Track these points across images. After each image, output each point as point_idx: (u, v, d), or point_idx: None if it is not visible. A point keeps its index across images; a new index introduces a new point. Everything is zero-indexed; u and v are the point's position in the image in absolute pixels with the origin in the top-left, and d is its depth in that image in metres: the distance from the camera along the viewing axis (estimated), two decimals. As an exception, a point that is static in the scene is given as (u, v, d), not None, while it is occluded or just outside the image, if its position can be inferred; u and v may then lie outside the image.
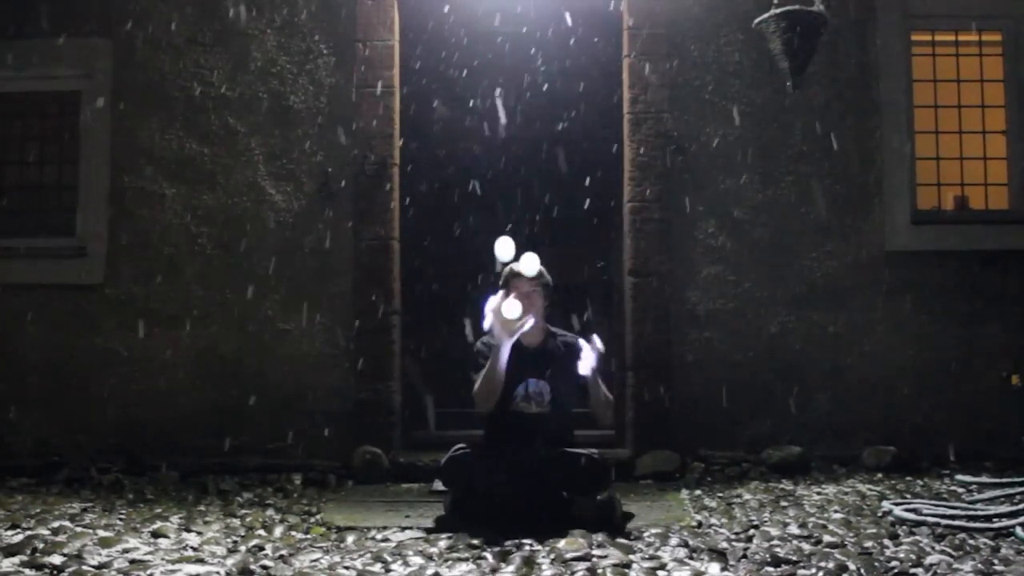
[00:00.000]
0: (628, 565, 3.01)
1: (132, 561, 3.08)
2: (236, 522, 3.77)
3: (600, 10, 5.04)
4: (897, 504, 3.80)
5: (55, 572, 2.94)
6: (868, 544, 3.22)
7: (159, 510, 3.97)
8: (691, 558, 3.12)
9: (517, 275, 3.83)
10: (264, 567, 3.02)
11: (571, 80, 5.07)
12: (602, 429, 4.52)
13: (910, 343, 4.87)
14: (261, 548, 3.31)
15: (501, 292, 3.77)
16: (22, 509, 3.92)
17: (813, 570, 2.91)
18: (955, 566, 2.94)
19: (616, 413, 4.94)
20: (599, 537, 3.37)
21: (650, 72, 4.92)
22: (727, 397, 4.81)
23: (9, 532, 3.45)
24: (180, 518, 3.80)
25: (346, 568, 3.05)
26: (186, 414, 4.84)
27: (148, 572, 2.93)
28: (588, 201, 5.06)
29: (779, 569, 2.95)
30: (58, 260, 4.98)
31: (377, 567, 3.05)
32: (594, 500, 3.67)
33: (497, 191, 5.04)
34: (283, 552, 3.24)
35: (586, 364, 3.68)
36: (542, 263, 3.92)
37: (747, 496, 4.18)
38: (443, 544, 3.33)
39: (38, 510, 3.89)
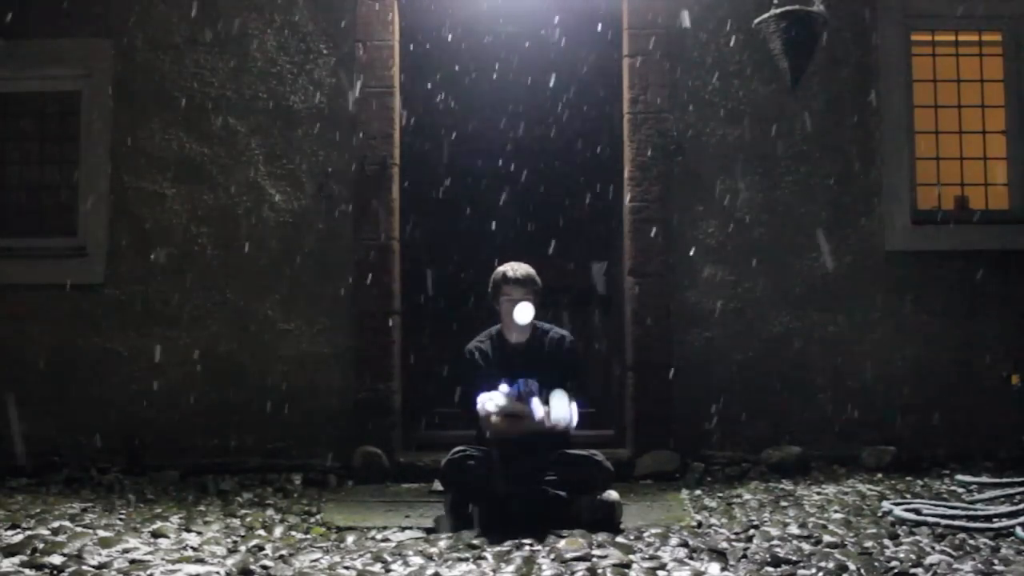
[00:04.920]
0: (628, 565, 3.01)
1: (132, 561, 3.08)
2: (236, 522, 3.77)
3: (600, 10, 5.04)
4: (897, 504, 3.80)
5: (55, 572, 2.94)
6: (868, 544, 3.22)
7: (159, 510, 3.97)
8: (691, 558, 3.12)
9: (507, 281, 3.85)
10: (264, 567, 3.02)
11: (571, 80, 5.06)
12: (592, 428, 4.55)
13: (910, 343, 4.87)
14: (261, 548, 3.31)
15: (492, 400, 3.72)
16: (22, 509, 3.92)
17: (813, 570, 2.91)
18: (955, 566, 2.94)
19: (616, 413, 4.97)
20: (599, 537, 3.37)
21: (650, 72, 4.92)
22: (727, 397, 4.81)
23: (9, 532, 3.45)
24: (180, 518, 3.81)
25: (346, 568, 3.05)
26: (186, 414, 4.84)
27: (148, 572, 2.93)
28: (588, 201, 5.06)
29: (779, 569, 2.95)
30: (58, 260, 4.98)
31: (377, 567, 3.05)
32: (594, 500, 3.67)
33: (497, 191, 5.03)
34: (283, 552, 3.25)
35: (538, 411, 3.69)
36: (541, 263, 3.94)
37: (747, 496, 4.18)
38: (443, 544, 3.33)
39: (38, 510, 3.89)
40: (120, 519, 3.79)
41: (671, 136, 4.90)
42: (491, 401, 3.72)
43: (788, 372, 4.85)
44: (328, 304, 4.88)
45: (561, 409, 3.72)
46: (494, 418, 3.72)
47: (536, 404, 3.74)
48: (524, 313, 3.81)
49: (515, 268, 3.90)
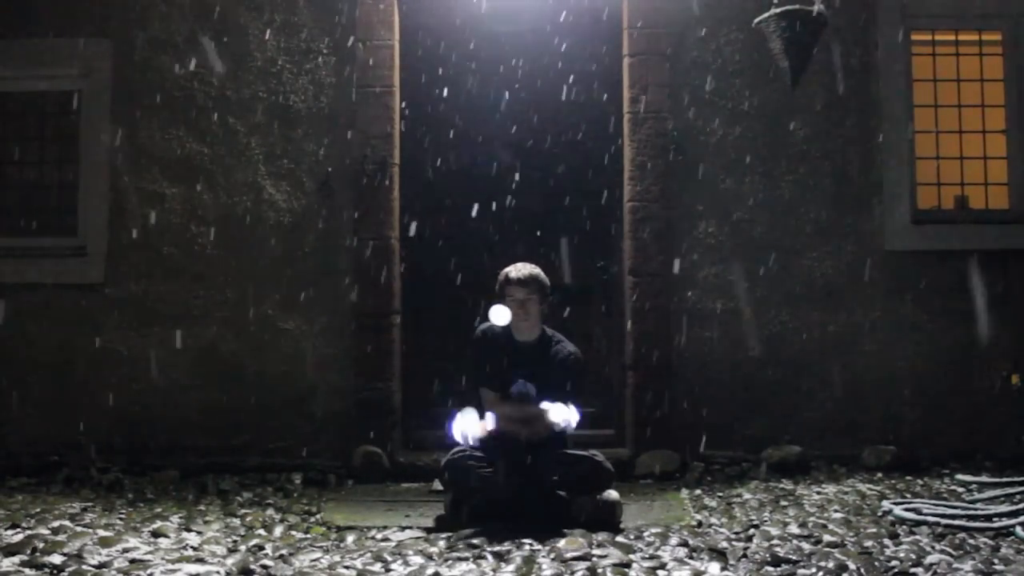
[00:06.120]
0: (628, 565, 3.01)
1: (132, 561, 3.08)
2: (236, 521, 3.77)
3: (600, 9, 5.04)
4: (897, 504, 3.80)
5: (55, 572, 2.94)
6: (868, 544, 3.23)
7: (159, 510, 3.97)
8: (691, 557, 3.12)
9: (510, 282, 3.84)
10: (264, 567, 3.02)
11: (571, 79, 5.06)
12: (592, 428, 4.57)
13: (910, 343, 4.87)
14: (261, 547, 3.31)
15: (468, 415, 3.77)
16: (22, 509, 3.92)
17: (813, 570, 2.91)
18: (955, 565, 2.94)
19: (616, 413, 4.97)
20: (599, 537, 3.37)
21: (650, 72, 4.92)
22: (727, 397, 4.81)
23: (9, 532, 3.46)
24: (180, 518, 3.81)
25: (346, 567, 3.05)
26: (186, 414, 4.84)
27: (148, 572, 2.93)
28: (588, 201, 5.05)
29: (779, 569, 2.96)
30: (58, 260, 4.98)
31: (377, 567, 3.05)
32: (594, 500, 3.67)
33: (497, 190, 5.03)
34: (283, 551, 3.25)
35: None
36: (540, 263, 3.95)
37: (747, 496, 4.18)
38: (443, 544, 3.33)
39: (38, 510, 3.89)
40: (120, 519, 3.79)
41: (671, 136, 4.90)
42: (471, 426, 3.76)
43: (788, 372, 4.85)
44: (328, 304, 4.88)
45: (561, 411, 3.70)
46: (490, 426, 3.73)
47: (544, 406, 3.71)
48: (499, 315, 3.85)
49: (519, 269, 3.88)
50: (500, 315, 3.85)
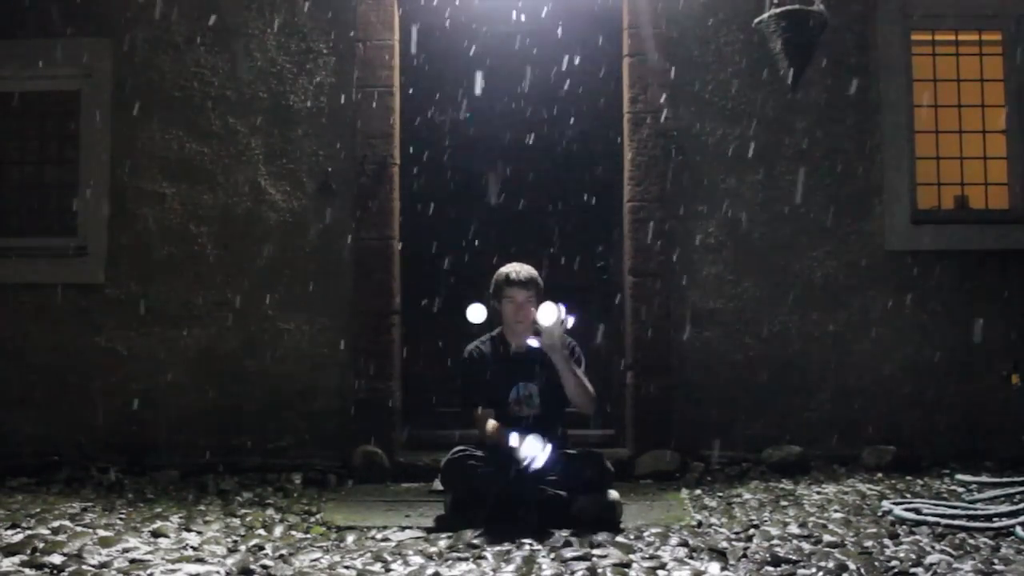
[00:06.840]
0: (628, 565, 3.01)
1: (132, 561, 3.08)
2: (236, 521, 3.77)
3: (600, 10, 5.04)
4: (897, 504, 3.80)
5: (55, 572, 2.94)
6: (868, 544, 3.23)
7: (159, 510, 3.97)
8: (691, 557, 3.12)
9: (510, 283, 3.83)
10: (264, 567, 3.02)
11: (571, 79, 5.06)
12: (592, 427, 4.58)
13: (910, 343, 4.87)
14: (261, 547, 3.31)
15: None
16: (22, 509, 3.92)
17: (813, 570, 2.91)
18: (955, 565, 2.94)
19: (616, 413, 4.97)
20: (599, 537, 3.37)
21: (650, 72, 4.92)
22: (727, 397, 4.81)
23: (9, 531, 3.46)
24: (180, 518, 3.81)
25: (346, 567, 3.05)
26: (186, 414, 4.84)
27: (148, 572, 2.93)
28: (588, 201, 5.05)
29: (779, 569, 2.96)
30: (58, 260, 4.98)
31: (377, 567, 3.05)
32: (594, 500, 3.67)
33: (497, 190, 5.03)
34: (283, 551, 3.25)
35: (546, 322, 3.58)
36: (541, 263, 3.94)
37: (747, 496, 4.18)
38: (443, 544, 3.33)
39: (38, 510, 3.89)
40: (120, 519, 3.79)
41: (671, 136, 4.90)
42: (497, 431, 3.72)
43: (788, 372, 4.85)
44: (328, 304, 4.88)
45: (531, 448, 3.59)
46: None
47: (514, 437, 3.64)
48: (476, 314, 3.83)
49: (518, 270, 3.88)
50: (477, 313, 3.86)
